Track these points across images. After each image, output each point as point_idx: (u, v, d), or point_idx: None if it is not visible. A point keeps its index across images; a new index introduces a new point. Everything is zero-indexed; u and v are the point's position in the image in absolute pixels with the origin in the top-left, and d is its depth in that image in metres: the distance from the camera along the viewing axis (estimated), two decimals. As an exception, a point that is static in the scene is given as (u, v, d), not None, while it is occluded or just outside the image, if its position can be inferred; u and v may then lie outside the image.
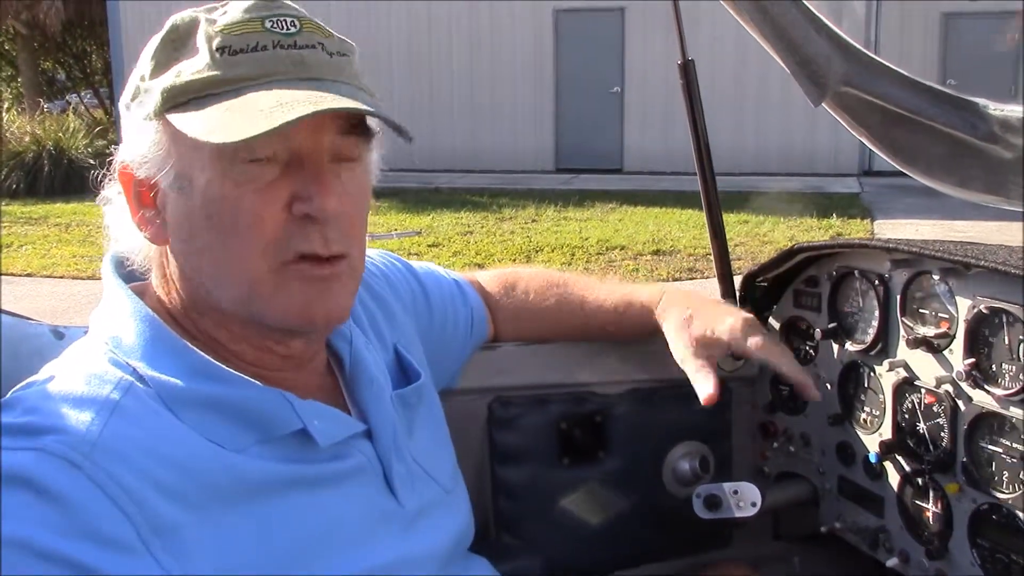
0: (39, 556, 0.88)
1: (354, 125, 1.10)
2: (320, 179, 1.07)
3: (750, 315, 1.63)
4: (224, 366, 1.08)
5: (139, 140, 1.09)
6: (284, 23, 1.07)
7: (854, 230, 11.01)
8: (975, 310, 1.45)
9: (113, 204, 1.17)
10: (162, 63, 1.08)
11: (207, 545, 0.97)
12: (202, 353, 1.08)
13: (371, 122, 1.12)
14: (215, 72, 1.04)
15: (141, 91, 1.09)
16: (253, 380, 1.09)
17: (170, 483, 0.97)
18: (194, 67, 1.05)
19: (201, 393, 1.05)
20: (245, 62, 1.05)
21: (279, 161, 1.06)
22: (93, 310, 1.16)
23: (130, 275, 1.18)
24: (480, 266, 8.98)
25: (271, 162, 1.06)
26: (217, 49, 1.05)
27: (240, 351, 1.14)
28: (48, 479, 0.91)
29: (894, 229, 11.07)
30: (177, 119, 1.04)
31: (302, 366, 1.20)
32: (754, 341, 1.56)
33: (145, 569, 0.92)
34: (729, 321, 1.58)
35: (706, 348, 1.58)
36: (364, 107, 1.05)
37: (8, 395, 1.04)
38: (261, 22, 1.06)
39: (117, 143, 1.15)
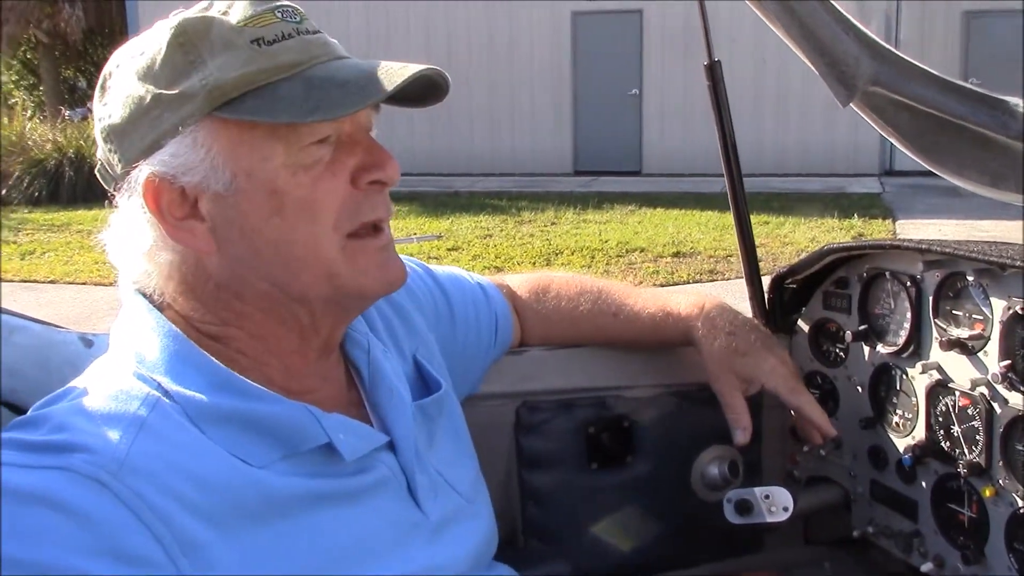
0: None
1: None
2: (378, 149, 1.11)
3: (786, 354, 1.71)
4: (249, 380, 1.07)
5: (174, 150, 1.04)
6: (288, 12, 1.08)
7: (876, 230, 10.94)
8: (1011, 311, 1.43)
9: (119, 226, 1.13)
10: (181, 69, 1.03)
11: (234, 563, 0.96)
12: (226, 367, 1.07)
13: None
14: (263, 63, 1.03)
15: (163, 101, 1.04)
16: (278, 395, 1.08)
17: (197, 501, 0.96)
18: (235, 62, 1.03)
19: (226, 408, 1.04)
20: (284, 51, 1.05)
21: (330, 142, 1.08)
22: (113, 324, 1.14)
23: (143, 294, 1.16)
24: (499, 269, 8.98)
25: (328, 143, 1.07)
26: (252, 41, 1.04)
27: (268, 362, 1.13)
28: (76, 499, 0.90)
29: (916, 229, 10.99)
30: (240, 113, 1.02)
31: (325, 372, 1.20)
32: (792, 388, 1.63)
33: None
34: (771, 363, 1.63)
35: (745, 386, 1.64)
36: (437, 70, 1.12)
37: (32, 411, 1.03)
38: (273, 12, 1.07)
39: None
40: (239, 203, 1.06)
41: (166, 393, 1.03)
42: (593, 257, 9.68)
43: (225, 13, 1.06)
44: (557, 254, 9.84)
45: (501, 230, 11.43)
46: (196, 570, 0.93)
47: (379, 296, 1.21)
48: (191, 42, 1.04)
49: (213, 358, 1.07)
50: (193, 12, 1.08)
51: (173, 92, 1.04)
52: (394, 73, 1.07)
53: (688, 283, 8.57)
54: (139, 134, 1.06)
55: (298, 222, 1.06)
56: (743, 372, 1.62)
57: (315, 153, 1.06)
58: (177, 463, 0.97)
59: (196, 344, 1.08)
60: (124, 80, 1.08)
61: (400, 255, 1.55)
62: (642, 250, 9.99)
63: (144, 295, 1.13)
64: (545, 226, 11.71)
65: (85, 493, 0.91)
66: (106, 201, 1.15)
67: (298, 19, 1.08)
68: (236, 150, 1.04)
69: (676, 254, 9.77)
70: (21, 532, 0.88)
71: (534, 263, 9.40)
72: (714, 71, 1.77)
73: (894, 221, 11.58)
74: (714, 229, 11.11)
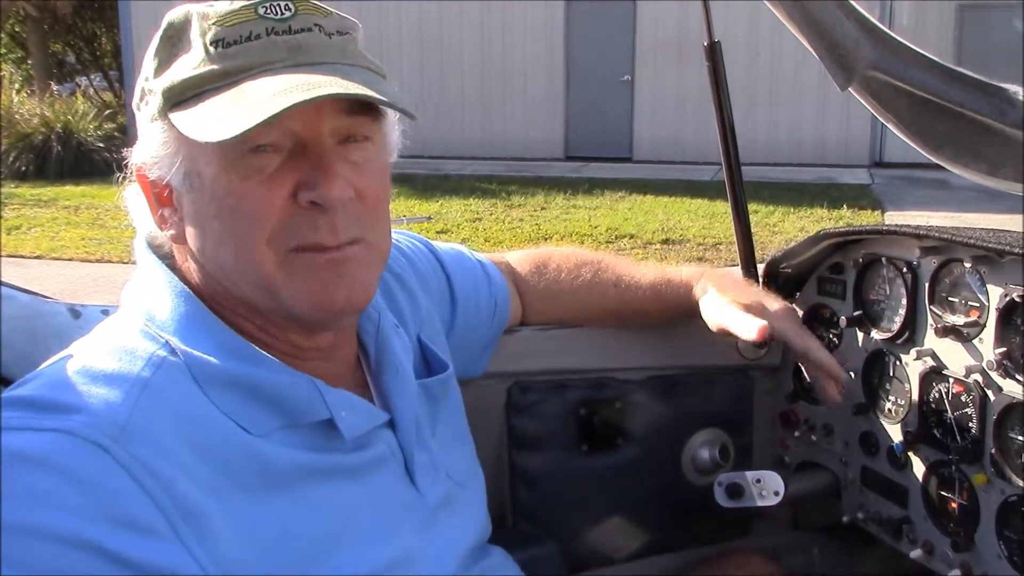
0: (66, 543, 0.86)
1: (361, 105, 1.06)
2: (324, 165, 1.03)
3: (791, 307, 1.64)
4: (257, 348, 1.07)
5: (149, 141, 1.07)
6: (277, 8, 1.03)
7: (864, 221, 10.95)
8: (1007, 298, 1.42)
9: (133, 200, 1.16)
10: (164, 62, 1.06)
11: (233, 533, 0.96)
12: (236, 333, 1.07)
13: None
14: (211, 66, 1.02)
15: (146, 92, 1.07)
16: (285, 364, 1.08)
17: (197, 469, 0.96)
18: (190, 63, 1.03)
19: (232, 373, 1.03)
20: (240, 53, 1.02)
21: (282, 150, 1.03)
22: (125, 286, 1.14)
23: (159, 254, 1.16)
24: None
25: (275, 151, 1.03)
26: (212, 43, 1.02)
27: (268, 341, 1.11)
28: (77, 464, 0.89)
29: (905, 221, 10.98)
30: (177, 118, 1.02)
31: (330, 357, 1.17)
32: (799, 332, 1.57)
33: (174, 554, 0.91)
34: (776, 307, 1.58)
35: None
36: (356, 91, 1.00)
37: (40, 368, 1.02)
38: (254, 9, 1.03)
39: (126, 127, 1.14)
40: (194, 201, 1.06)
41: (173, 352, 1.02)
42: (582, 242, 9.66)
43: (215, 6, 1.05)
44: (546, 239, 9.81)
45: (491, 214, 11.41)
46: (196, 538, 0.92)
47: (316, 318, 1.09)
48: (176, 36, 1.05)
49: (223, 323, 1.07)
50: (195, 4, 1.07)
51: (150, 85, 1.07)
52: (311, 91, 0.98)
53: (677, 270, 8.57)
54: (139, 121, 1.10)
55: (232, 230, 1.04)
56: (748, 306, 1.55)
57: (255, 162, 1.02)
58: (179, 429, 0.97)
59: (207, 308, 1.08)
60: (144, 62, 1.10)
61: (405, 232, 1.53)
62: (631, 236, 9.98)
63: (158, 252, 1.14)
64: (535, 211, 11.69)
65: (86, 457, 0.90)
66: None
67: (283, 16, 1.03)
68: (187, 150, 1.04)
69: (665, 241, 9.77)
70: (22, 496, 0.87)
71: (523, 247, 9.35)
72: (714, 52, 1.75)
73: (883, 212, 11.60)
74: (703, 217, 11.11)
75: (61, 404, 0.94)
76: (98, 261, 9.13)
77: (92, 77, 27.37)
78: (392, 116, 1.15)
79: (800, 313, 1.86)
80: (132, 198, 1.16)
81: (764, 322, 1.49)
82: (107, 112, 16.66)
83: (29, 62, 25.00)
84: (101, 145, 15.15)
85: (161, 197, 1.10)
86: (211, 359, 1.03)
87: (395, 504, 1.15)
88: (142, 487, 0.91)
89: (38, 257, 9.36)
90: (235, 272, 1.07)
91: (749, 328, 1.49)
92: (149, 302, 1.08)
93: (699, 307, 1.60)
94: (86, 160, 14.83)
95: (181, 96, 1.03)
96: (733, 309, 1.54)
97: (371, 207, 1.09)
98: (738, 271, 1.88)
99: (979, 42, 15.16)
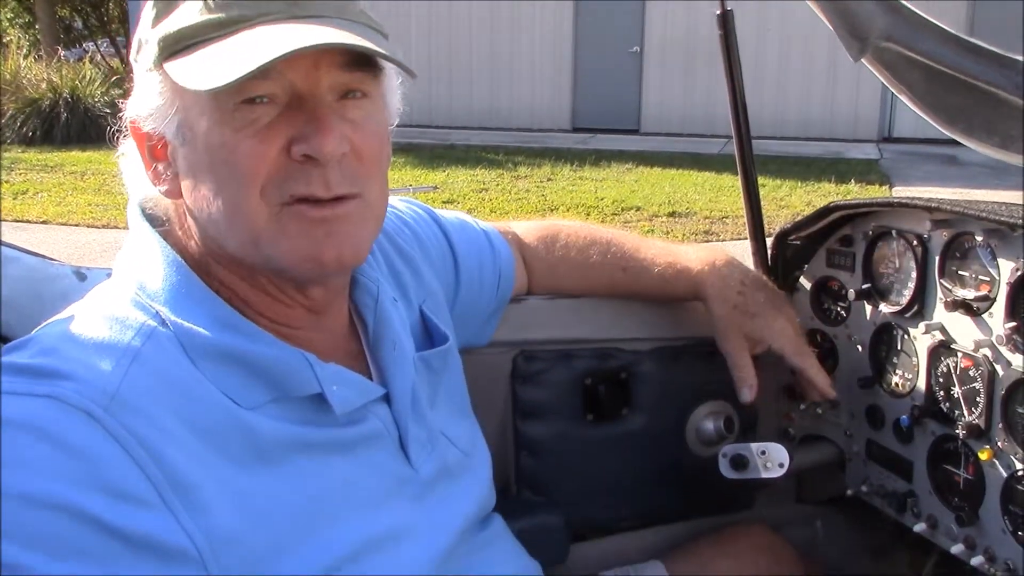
0: (53, 508, 0.86)
1: (360, 61, 1.05)
2: (319, 119, 1.02)
3: (792, 312, 1.69)
4: (248, 320, 1.06)
5: (144, 93, 1.06)
6: None
7: (872, 196, 10.90)
8: (1018, 272, 1.41)
9: (128, 157, 1.15)
10: (161, 12, 1.05)
11: (220, 503, 0.95)
12: (227, 305, 1.06)
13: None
14: (208, 16, 1.01)
15: (143, 42, 1.06)
16: (276, 338, 1.07)
17: (186, 439, 0.95)
18: (188, 13, 1.02)
19: (222, 344, 1.02)
20: (237, 4, 1.01)
21: (278, 103, 1.02)
22: (118, 253, 1.13)
23: (153, 221, 1.14)
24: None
25: (270, 103, 1.02)
26: None
27: (260, 304, 1.11)
28: (65, 430, 0.89)
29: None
30: (172, 67, 1.01)
31: (323, 324, 1.16)
32: (798, 350, 1.63)
33: (163, 524, 0.90)
34: (779, 324, 1.63)
35: (753, 345, 1.63)
36: (351, 41, 0.99)
37: (31, 333, 1.02)
38: None
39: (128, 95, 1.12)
40: (187, 155, 1.05)
41: (164, 323, 1.02)
42: (588, 214, 9.65)
43: None
44: (553, 210, 9.80)
45: (497, 184, 11.38)
46: (185, 508, 0.92)
47: (305, 273, 1.08)
48: None
49: (215, 294, 1.06)
50: None
51: (146, 36, 1.06)
52: (304, 41, 0.97)
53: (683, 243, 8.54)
54: (136, 74, 1.08)
55: (225, 183, 1.03)
56: (752, 333, 1.61)
57: (248, 114, 1.01)
58: (168, 400, 0.96)
59: (199, 277, 1.07)
60: (142, 14, 1.09)
61: (407, 200, 1.53)
62: (638, 208, 9.95)
63: (151, 217, 1.13)
64: (541, 182, 11.65)
65: (74, 424, 0.89)
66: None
67: None
68: (181, 101, 1.04)
69: (672, 214, 9.74)
70: (10, 461, 0.86)
71: (529, 218, 9.33)
72: (726, 20, 1.73)
73: (891, 187, 11.56)
74: (710, 190, 11.07)
75: (51, 371, 0.93)
76: (104, 227, 9.14)
77: (100, 43, 27.25)
78: (393, 79, 1.14)
79: (808, 286, 1.85)
80: (126, 158, 1.15)
81: (751, 390, 1.61)
82: (114, 78, 16.59)
83: (36, 27, 24.93)
84: (108, 111, 15.09)
85: (155, 151, 1.09)
86: (201, 330, 1.02)
87: (387, 478, 1.14)
88: (131, 456, 0.90)
89: (44, 222, 9.38)
90: (224, 227, 1.05)
91: (742, 387, 1.62)
92: (141, 271, 1.07)
93: (708, 307, 1.65)
94: (93, 126, 14.80)
95: (176, 46, 1.02)
96: (738, 351, 1.62)
97: (368, 165, 1.08)
98: (746, 245, 1.86)
99: (991, 20, 14.98)
